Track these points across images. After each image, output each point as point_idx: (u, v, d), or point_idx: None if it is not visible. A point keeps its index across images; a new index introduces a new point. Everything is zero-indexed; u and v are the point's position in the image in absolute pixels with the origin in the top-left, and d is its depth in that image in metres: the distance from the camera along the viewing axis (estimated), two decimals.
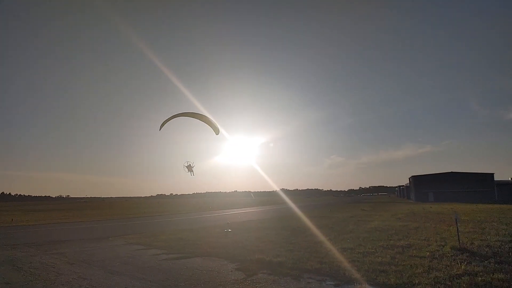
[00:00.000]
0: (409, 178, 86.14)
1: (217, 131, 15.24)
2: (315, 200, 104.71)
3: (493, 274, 7.17)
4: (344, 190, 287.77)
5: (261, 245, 12.08)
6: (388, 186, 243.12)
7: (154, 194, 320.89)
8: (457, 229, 11.32)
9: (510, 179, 79.46)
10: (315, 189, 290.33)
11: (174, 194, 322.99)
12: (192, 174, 32.28)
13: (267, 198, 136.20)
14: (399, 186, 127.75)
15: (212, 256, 10.45)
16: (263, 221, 23.10)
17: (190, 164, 30.64)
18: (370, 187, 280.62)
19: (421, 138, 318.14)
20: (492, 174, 72.34)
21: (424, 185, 75.74)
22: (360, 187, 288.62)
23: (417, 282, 6.75)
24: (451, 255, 9.30)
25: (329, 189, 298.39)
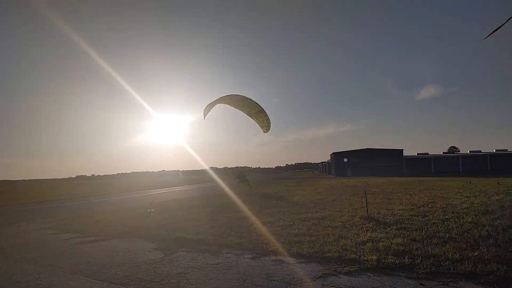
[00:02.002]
0: (331, 155, 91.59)
1: (265, 129, 13.27)
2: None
3: (393, 239, 7.94)
4: (272, 167, 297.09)
5: (183, 223, 11.96)
6: (312, 162, 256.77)
7: (74, 176, 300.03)
8: (366, 200, 12.30)
9: (416, 154, 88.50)
10: (244, 166, 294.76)
11: (96, 175, 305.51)
12: (248, 184, 30.15)
13: (196, 176, 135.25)
14: (322, 162, 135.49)
15: (131, 237, 10.11)
16: (188, 200, 22.92)
17: (243, 172, 28.19)
18: (295, 163, 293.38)
19: (342, 117, 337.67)
20: (402, 150, 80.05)
21: (344, 161, 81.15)
22: (286, 164, 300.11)
23: (327, 250, 7.23)
24: (360, 224, 10.11)
25: (257, 167, 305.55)
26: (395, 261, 6.19)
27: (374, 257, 6.47)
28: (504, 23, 4.38)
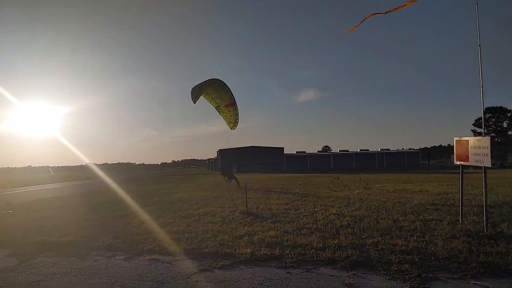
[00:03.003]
0: (217, 152, 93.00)
1: (233, 125, 11.25)
2: (126, 174, 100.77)
3: (267, 232, 8.38)
4: (157, 164, 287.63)
5: (48, 225, 10.66)
6: (200, 159, 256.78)
7: None
8: (246, 196, 12.79)
9: (295, 152, 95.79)
10: (127, 162, 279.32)
11: None
12: (237, 183, 25.37)
13: (70, 173, 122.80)
14: (209, 159, 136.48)
15: None
16: (60, 199, 20.56)
17: (230, 168, 23.50)
18: (182, 160, 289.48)
19: None
20: (283, 148, 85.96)
21: (229, 158, 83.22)
22: (173, 160, 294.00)
23: (204, 246, 7.26)
24: (239, 219, 10.43)
25: (142, 163, 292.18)
26: (267, 253, 6.55)
27: (249, 250, 6.73)
28: (363, 20, 4.98)
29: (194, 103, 10.24)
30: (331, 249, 6.65)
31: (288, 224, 9.41)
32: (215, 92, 11.12)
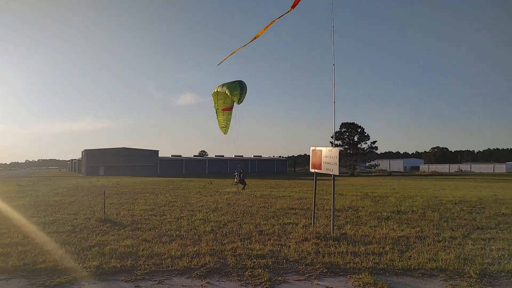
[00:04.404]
0: (82, 152, 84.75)
1: (226, 130, 11.75)
2: None
3: (123, 241, 7.64)
4: (6, 163, 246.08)
5: None
6: (61, 159, 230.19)
7: None
8: (104, 201, 11.65)
9: (171, 155, 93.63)
10: None
11: None
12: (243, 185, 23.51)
13: None
14: (72, 159, 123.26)
15: None
16: None
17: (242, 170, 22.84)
18: (39, 160, 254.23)
19: (100, 113, 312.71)
20: (157, 151, 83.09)
21: (96, 159, 76.62)
22: (26, 160, 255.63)
23: (41, 260, 6.13)
24: (93, 228, 9.33)
25: None
26: (117, 265, 5.87)
27: (96, 263, 5.93)
28: (231, 54, 4.90)
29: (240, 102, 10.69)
30: (189, 257, 6.35)
31: (148, 231, 8.80)
32: (230, 91, 10.92)
